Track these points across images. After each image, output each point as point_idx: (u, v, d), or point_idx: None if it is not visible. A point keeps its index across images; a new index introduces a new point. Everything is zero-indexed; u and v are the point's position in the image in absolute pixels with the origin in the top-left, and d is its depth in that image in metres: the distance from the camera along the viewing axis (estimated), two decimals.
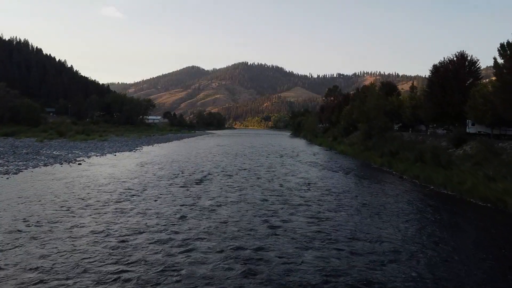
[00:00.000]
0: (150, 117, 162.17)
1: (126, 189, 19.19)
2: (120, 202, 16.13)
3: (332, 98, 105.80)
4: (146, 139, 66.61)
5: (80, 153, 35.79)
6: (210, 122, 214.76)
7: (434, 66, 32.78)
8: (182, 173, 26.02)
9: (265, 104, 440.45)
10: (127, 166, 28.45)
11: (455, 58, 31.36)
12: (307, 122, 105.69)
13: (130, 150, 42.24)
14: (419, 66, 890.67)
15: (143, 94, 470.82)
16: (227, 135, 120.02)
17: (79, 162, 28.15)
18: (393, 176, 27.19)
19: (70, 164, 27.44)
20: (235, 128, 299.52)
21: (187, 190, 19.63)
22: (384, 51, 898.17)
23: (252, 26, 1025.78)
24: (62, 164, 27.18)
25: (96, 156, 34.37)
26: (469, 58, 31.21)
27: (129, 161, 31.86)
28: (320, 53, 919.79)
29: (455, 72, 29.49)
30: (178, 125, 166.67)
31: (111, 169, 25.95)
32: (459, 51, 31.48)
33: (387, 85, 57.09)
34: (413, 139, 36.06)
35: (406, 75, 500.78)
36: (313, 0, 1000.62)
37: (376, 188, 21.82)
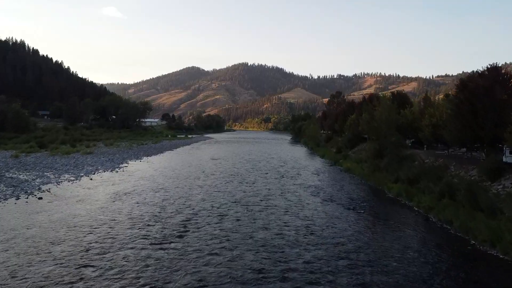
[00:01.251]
0: (147, 120, 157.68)
1: (82, 251, 14.72)
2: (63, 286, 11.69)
3: (335, 104, 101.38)
4: (136, 150, 62.01)
5: (52, 176, 31.23)
6: (209, 125, 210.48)
7: (462, 82, 28.20)
8: (163, 211, 21.57)
9: (265, 105, 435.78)
10: (99, 199, 23.92)
11: (486, 72, 26.82)
12: (308, 128, 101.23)
13: (113, 169, 37.62)
14: (419, 67, 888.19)
15: (142, 94, 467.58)
16: (225, 141, 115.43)
17: (40, 196, 23.41)
18: (415, 216, 22.70)
19: (29, 198, 22.80)
20: (234, 130, 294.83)
21: (163, 250, 15.24)
22: (384, 52, 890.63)
23: (252, 26, 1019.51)
24: (18, 198, 22.57)
25: (69, 180, 29.79)
26: (503, 71, 26.72)
27: (104, 189, 27.31)
28: (320, 54, 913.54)
29: (488, 88, 24.98)
30: (176, 127, 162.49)
31: (76, 208, 21.37)
32: (491, 63, 26.93)
33: (399, 97, 52.42)
34: (433, 163, 31.49)
35: (407, 76, 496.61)
36: (313, 1, 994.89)
37: (398, 241, 17.42)
